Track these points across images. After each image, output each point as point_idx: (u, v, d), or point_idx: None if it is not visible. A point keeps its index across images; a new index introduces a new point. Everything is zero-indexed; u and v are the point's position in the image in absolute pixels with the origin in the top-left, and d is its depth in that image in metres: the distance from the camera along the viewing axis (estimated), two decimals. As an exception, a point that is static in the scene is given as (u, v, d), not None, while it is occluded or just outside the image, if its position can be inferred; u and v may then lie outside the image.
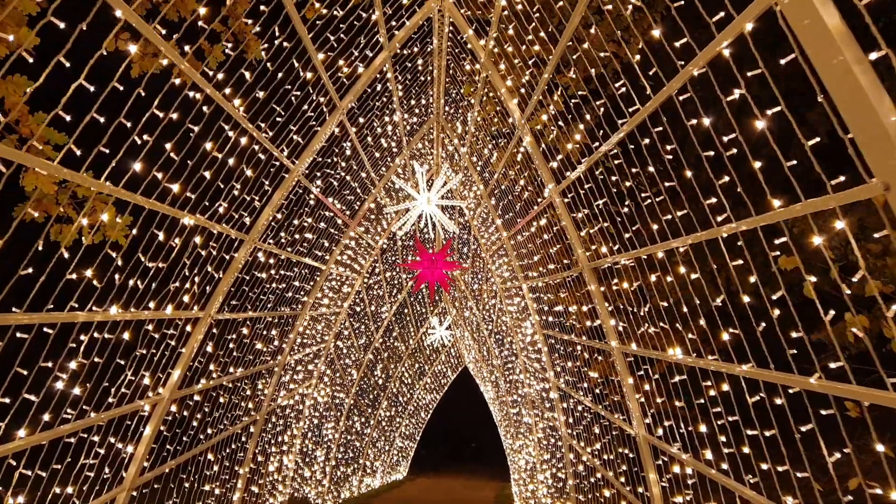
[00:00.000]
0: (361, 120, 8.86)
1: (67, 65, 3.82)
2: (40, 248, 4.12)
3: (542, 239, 9.29)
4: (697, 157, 4.64)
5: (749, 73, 3.62)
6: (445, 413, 29.97)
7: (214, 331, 7.87)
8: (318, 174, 8.77)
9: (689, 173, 4.66)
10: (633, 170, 5.53)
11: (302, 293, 10.98)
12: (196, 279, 6.71)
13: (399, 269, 17.79)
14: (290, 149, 7.37)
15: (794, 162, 3.69)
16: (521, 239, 10.83)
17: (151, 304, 6.03)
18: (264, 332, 9.76)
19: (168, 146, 5.01)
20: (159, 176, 5.04)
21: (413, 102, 10.28)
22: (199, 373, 7.84)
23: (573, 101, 6.29)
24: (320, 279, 11.57)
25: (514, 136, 8.44)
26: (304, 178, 8.28)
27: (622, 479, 8.35)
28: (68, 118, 4.16)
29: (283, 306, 10.18)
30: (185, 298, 6.65)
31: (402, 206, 9.63)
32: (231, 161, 6.11)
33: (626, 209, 6.04)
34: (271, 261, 8.68)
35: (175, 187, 5.37)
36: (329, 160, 8.81)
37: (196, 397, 8.13)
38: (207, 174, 5.79)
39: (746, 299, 4.54)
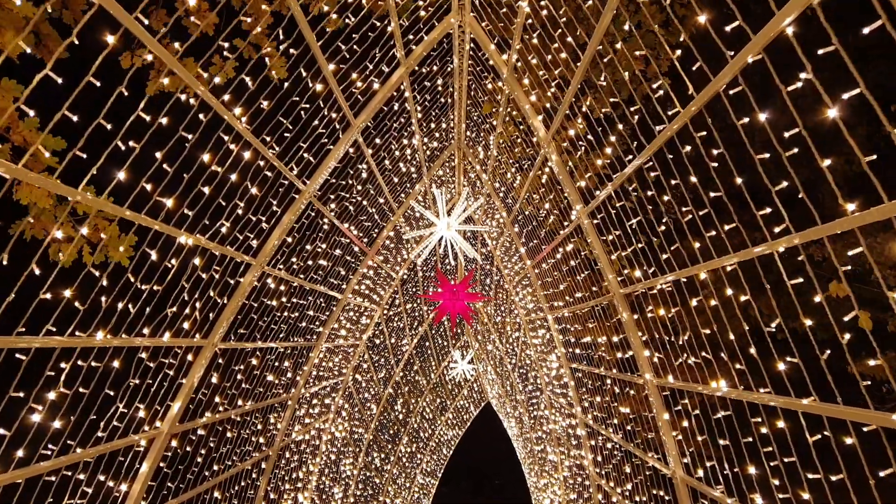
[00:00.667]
0: (378, 141, 8.36)
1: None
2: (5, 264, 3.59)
3: (569, 266, 8.64)
4: (747, 162, 4.02)
5: (820, 52, 3.01)
6: (468, 449, 28.98)
7: (220, 360, 7.31)
8: (332, 196, 8.26)
9: (738, 180, 4.04)
10: (673, 182, 4.91)
11: (317, 323, 10.41)
12: (197, 304, 6.16)
13: (420, 301, 17.18)
14: (301, 167, 6.87)
15: (874, 157, 3.06)
16: (546, 267, 10.19)
17: (146, 331, 5.49)
18: (276, 364, 9.18)
19: (158, 155, 4.50)
20: (149, 188, 4.53)
21: (433, 126, 9.78)
22: (204, 405, 7.26)
23: (604, 110, 5.71)
24: (337, 309, 11.00)
25: (538, 156, 7.88)
26: (316, 200, 7.77)
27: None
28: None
29: (296, 336, 9.60)
30: (185, 325, 6.11)
31: (422, 231, 9.08)
32: (233, 177, 5.60)
33: (663, 227, 5.40)
34: (282, 287, 8.14)
35: (168, 202, 4.86)
36: (343, 182, 8.31)
37: (200, 431, 7.53)
38: (206, 190, 5.28)
39: (808, 323, 3.86)
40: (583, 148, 6.46)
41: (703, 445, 5.77)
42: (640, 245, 5.94)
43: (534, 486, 19.80)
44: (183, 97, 4.50)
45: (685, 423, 6.06)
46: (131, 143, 4.14)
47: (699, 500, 6.15)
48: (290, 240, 7.57)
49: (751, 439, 5.03)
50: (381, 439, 18.05)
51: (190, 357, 6.47)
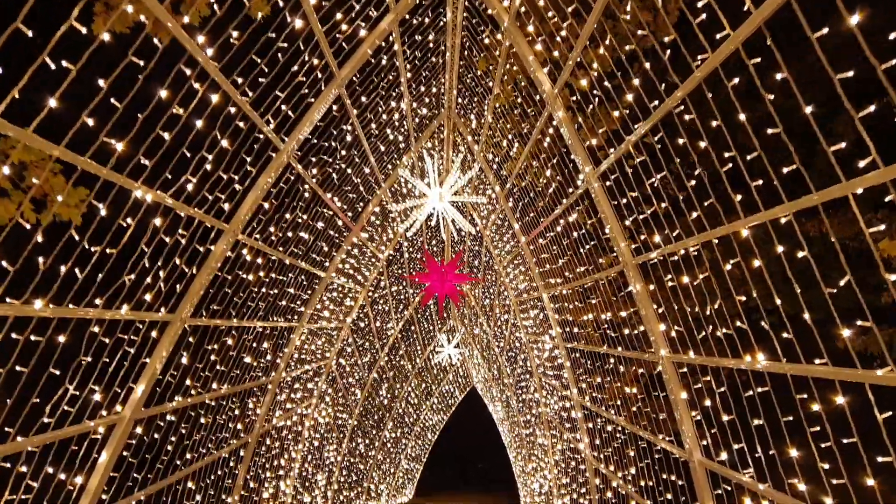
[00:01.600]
0: (364, 100, 7.51)
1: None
2: None
3: (570, 239, 7.89)
4: (810, 95, 3.28)
5: None
6: (453, 434, 28.32)
7: (190, 339, 6.47)
8: (314, 160, 7.41)
9: (807, 109, 3.29)
10: (713, 124, 4.14)
11: (298, 303, 9.58)
12: (161, 274, 5.32)
13: (406, 284, 16.39)
14: (279, 122, 6.02)
15: None
16: (542, 242, 9.44)
17: (98, 302, 4.64)
18: (254, 345, 8.34)
19: (102, 83, 3.64)
20: (91, 123, 3.67)
21: (423, 89, 8.95)
22: (173, 389, 6.42)
23: (628, 47, 4.93)
24: (319, 288, 10.17)
25: (541, 115, 7.10)
26: (295, 162, 6.92)
27: (667, 513, 6.87)
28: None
29: (276, 316, 8.77)
30: (147, 297, 5.26)
31: (411, 203, 8.28)
32: (199, 124, 4.74)
33: (693, 181, 4.66)
34: (259, 260, 7.30)
35: (119, 146, 4.00)
36: (326, 144, 7.45)
37: (170, 417, 6.70)
38: (166, 136, 4.43)
39: (893, 278, 3.13)
40: (596, 99, 5.69)
41: (730, 426, 5.07)
42: (663, 204, 5.19)
43: (520, 470, 19.18)
44: (131, 7, 3.62)
45: (707, 402, 5.35)
46: (65, 64, 3.28)
47: (720, 485, 5.47)
48: (266, 206, 6.73)
49: (792, 418, 4.34)
50: (365, 425, 17.29)
51: (154, 334, 5.62)
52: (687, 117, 4.32)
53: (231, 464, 8.98)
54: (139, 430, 6.06)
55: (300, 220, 7.91)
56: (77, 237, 4.07)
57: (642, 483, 7.49)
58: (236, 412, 8.63)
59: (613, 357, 7.84)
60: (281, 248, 7.79)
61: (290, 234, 7.74)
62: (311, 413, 12.87)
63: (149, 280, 5.13)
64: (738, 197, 4.10)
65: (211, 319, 6.71)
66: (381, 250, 13.39)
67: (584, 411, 9.73)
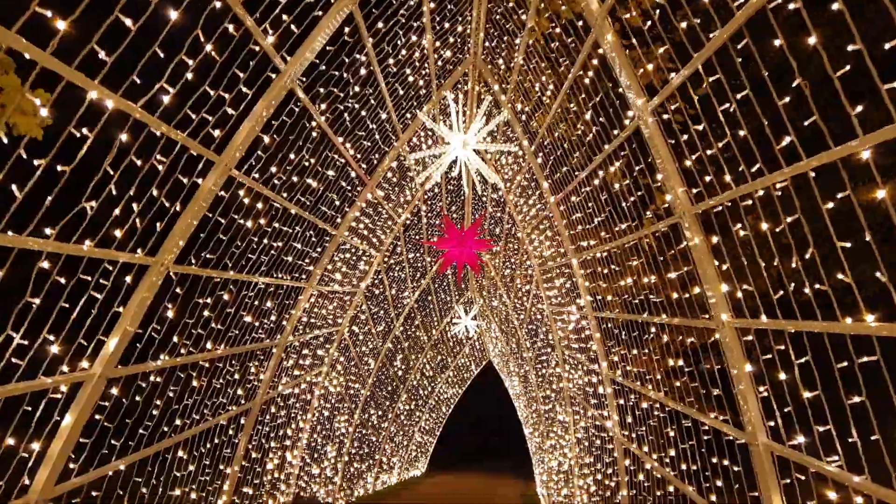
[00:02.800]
0: (381, 26, 6.51)
1: None
2: None
3: (612, 190, 6.89)
4: None
5: None
6: (467, 408, 27.57)
7: (177, 290, 5.59)
8: (322, 92, 6.45)
9: None
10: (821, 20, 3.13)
11: (307, 261, 8.68)
12: (134, 206, 4.42)
13: (423, 250, 15.46)
14: (279, 35, 5.05)
15: None
16: (575, 200, 8.43)
17: (48, 231, 3.75)
18: (255, 303, 7.47)
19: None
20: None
21: (447, 25, 7.91)
22: (157, 346, 5.57)
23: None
24: (330, 247, 9.26)
25: (584, 44, 6.06)
26: (300, 90, 5.97)
27: (713, 498, 5.94)
28: None
29: (280, 272, 7.88)
30: (117, 233, 4.37)
31: (432, 151, 7.31)
32: (174, 15, 3.79)
33: (787, 98, 3.64)
34: (259, 205, 6.39)
35: (60, 25, 3.07)
36: (337, 75, 6.48)
37: (155, 378, 5.86)
38: (128, 22, 3.48)
39: None
40: (657, 13, 4.65)
41: (813, 405, 4.10)
42: (741, 132, 4.17)
43: (537, 447, 18.35)
44: None
45: (781, 375, 4.37)
46: None
47: (793, 474, 4.51)
48: (267, 140, 5.79)
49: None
50: (378, 396, 16.50)
51: (129, 279, 4.74)
52: (791, 5, 3.29)
53: (231, 432, 8.18)
54: (115, 390, 5.22)
55: (307, 164, 6.98)
56: (6, 142, 3.16)
57: (683, 466, 6.55)
58: (236, 376, 7.80)
59: (655, 326, 6.87)
60: (285, 195, 6.87)
61: (294, 178, 6.80)
62: (322, 381, 12.07)
63: (117, 212, 4.23)
64: (858, 108, 3.08)
65: (202, 269, 5.83)
66: (397, 212, 12.45)
67: (615, 386, 8.78)
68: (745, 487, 5.18)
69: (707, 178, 4.79)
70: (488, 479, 25.73)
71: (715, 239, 4.89)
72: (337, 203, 8.59)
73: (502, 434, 35.34)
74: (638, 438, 8.03)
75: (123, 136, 3.91)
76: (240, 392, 8.00)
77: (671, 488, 6.96)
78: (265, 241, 6.82)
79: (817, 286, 3.79)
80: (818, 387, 3.97)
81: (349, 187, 8.72)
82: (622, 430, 8.69)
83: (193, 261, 5.58)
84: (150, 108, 4.06)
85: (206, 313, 6.27)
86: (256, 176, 6.00)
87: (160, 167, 4.43)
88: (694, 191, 5.01)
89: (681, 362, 6.19)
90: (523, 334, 15.93)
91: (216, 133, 4.93)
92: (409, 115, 9.25)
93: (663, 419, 7.07)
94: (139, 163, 4.21)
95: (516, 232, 13.57)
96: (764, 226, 4.15)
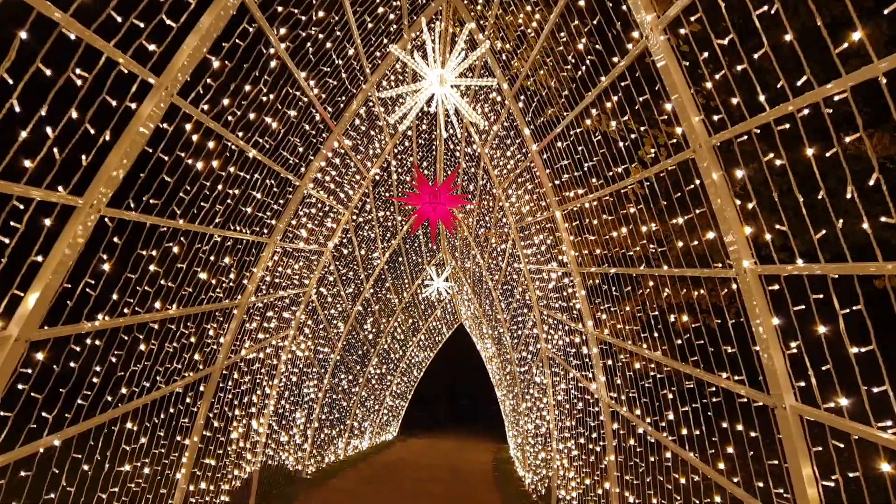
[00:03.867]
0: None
1: None
2: None
3: (607, 130, 6.19)
4: None
5: None
6: (438, 371, 27.12)
7: (115, 240, 4.75)
8: (281, 11, 5.56)
9: None
10: None
11: (269, 213, 7.84)
12: (48, 131, 3.56)
13: (394, 209, 14.66)
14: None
15: None
16: (561, 146, 7.72)
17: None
18: (212, 259, 6.64)
19: None
20: None
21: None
22: (93, 305, 4.74)
23: None
24: (294, 199, 8.42)
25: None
26: (255, 6, 5.09)
27: (721, 465, 5.42)
28: None
29: (238, 225, 7.05)
30: (27, 164, 3.52)
31: (405, 88, 6.51)
32: None
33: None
34: (211, 144, 5.53)
35: None
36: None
37: (93, 342, 5.05)
38: None
39: None
40: None
41: (862, 363, 3.51)
42: (786, 37, 3.47)
43: (511, 409, 17.96)
44: None
45: (820, 329, 3.78)
46: None
47: (829, 440, 3.94)
48: (216, 65, 4.91)
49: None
50: (348, 360, 15.83)
51: (48, 221, 3.90)
52: None
53: (188, 401, 7.41)
54: (41, 355, 4.41)
55: (265, 100, 6.10)
56: None
57: (684, 431, 6.02)
58: (192, 340, 7.00)
59: (655, 279, 6.27)
60: (240, 135, 6.00)
61: (251, 115, 5.93)
62: (289, 345, 11.31)
63: (24, 135, 3.37)
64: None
65: (144, 215, 4.99)
66: (366, 166, 11.60)
67: (602, 346, 8.23)
68: (764, 454, 4.65)
69: (735, 100, 4.12)
70: (460, 442, 25.46)
71: (741, 172, 4.23)
72: (300, 150, 7.72)
73: (472, 397, 35.15)
74: (629, 401, 7.50)
75: (24, 34, 3.04)
76: (197, 357, 7.21)
77: (668, 454, 6.46)
78: (219, 186, 5.97)
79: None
80: (872, 341, 3.38)
81: (314, 132, 7.85)
82: (609, 392, 8.16)
83: (132, 204, 4.73)
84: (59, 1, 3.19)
85: (151, 268, 5.44)
86: (206, 108, 5.13)
87: (78, 81, 3.56)
88: (715, 118, 4.33)
89: (685, 318, 5.60)
90: (497, 295, 15.35)
91: (152, 48, 4.06)
92: (378, 55, 8.37)
93: (660, 380, 6.52)
94: (49, 72, 3.34)
95: (492, 188, 12.86)
96: (809, 151, 3.49)
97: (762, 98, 3.67)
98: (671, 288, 5.87)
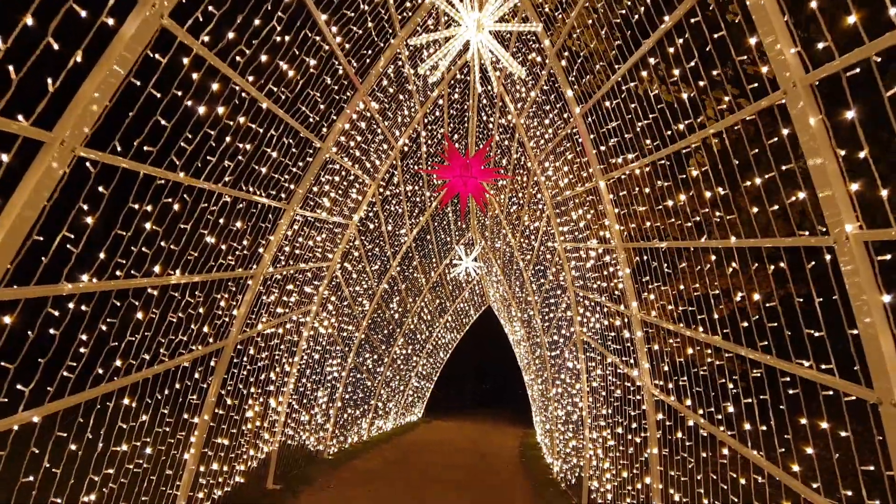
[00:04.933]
0: None
1: None
2: None
3: (668, 80, 5.31)
4: None
5: None
6: (465, 350, 26.43)
7: (101, 189, 4.08)
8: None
9: None
10: None
11: (286, 176, 7.14)
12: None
13: (422, 183, 13.89)
14: None
15: None
16: (610, 105, 6.85)
17: None
18: (219, 221, 5.95)
19: None
20: None
21: None
22: (73, 264, 4.08)
23: None
24: (315, 162, 7.70)
25: None
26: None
27: (795, 468, 4.59)
28: None
29: (251, 186, 6.35)
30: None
31: (439, 34, 5.72)
32: None
33: None
34: (215, 86, 4.81)
35: None
36: None
37: (77, 306, 4.41)
38: None
39: None
40: None
41: None
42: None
43: (540, 394, 17.19)
44: None
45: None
46: None
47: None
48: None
49: None
50: (373, 339, 15.19)
51: (5, 157, 3.22)
52: None
53: (197, 376, 6.79)
54: (8, 319, 3.76)
55: (278, 41, 5.36)
56: None
57: (747, 427, 5.19)
58: (200, 310, 6.35)
59: (720, 252, 5.41)
60: (251, 80, 5.27)
61: (263, 58, 5.19)
62: (311, 322, 10.68)
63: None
64: None
65: (136, 163, 4.29)
66: (394, 135, 10.84)
67: (647, 330, 7.39)
68: (856, 458, 3.82)
69: (851, 19, 3.25)
70: (486, 425, 24.81)
71: (850, 113, 3.37)
72: (322, 107, 6.98)
73: (498, 380, 34.44)
74: (677, 390, 6.67)
75: None
76: (206, 330, 6.57)
77: (724, 451, 5.63)
78: (227, 138, 5.25)
79: None
80: None
81: (336, 88, 7.10)
82: (654, 380, 7.34)
83: (119, 147, 4.04)
84: None
85: (148, 226, 4.76)
86: (206, 40, 4.40)
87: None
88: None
89: (756, 297, 4.74)
90: (529, 276, 14.53)
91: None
92: (408, 5, 7.56)
93: (718, 368, 5.68)
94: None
95: (526, 162, 12.01)
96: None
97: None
98: (738, 262, 5.01)
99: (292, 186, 7.37)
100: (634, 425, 8.07)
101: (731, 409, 5.42)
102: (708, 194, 5.15)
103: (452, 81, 11.55)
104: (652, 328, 7.18)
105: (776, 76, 3.74)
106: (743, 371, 5.19)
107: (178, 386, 6.34)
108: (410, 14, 7.65)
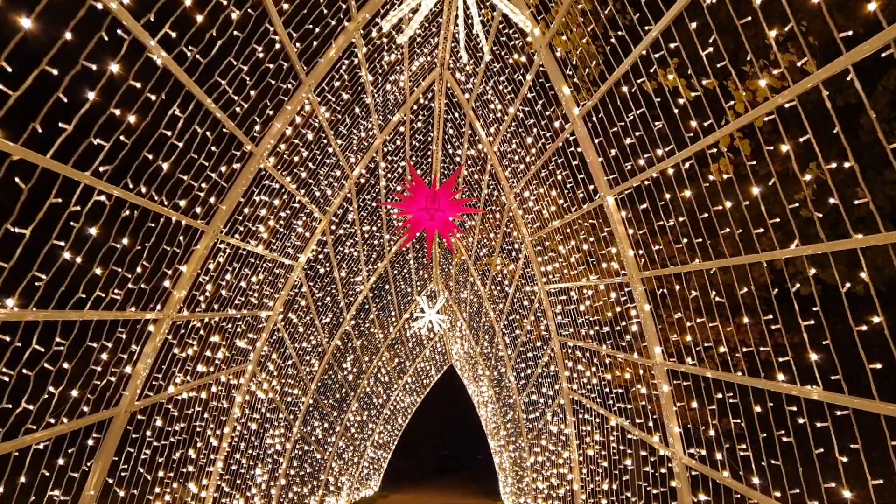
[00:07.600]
0: None
1: None
2: None
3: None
4: None
5: None
6: (425, 417, 24.14)
7: None
8: None
9: None
10: None
11: (204, 185, 5.29)
12: None
13: (380, 224, 12.14)
14: None
15: None
16: (626, 90, 5.30)
17: None
18: (92, 233, 4.04)
19: None
20: None
21: None
22: None
23: None
24: (245, 170, 5.89)
25: None
26: None
27: None
28: None
29: (146, 187, 4.47)
30: None
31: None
32: None
33: None
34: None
35: None
36: None
37: None
38: None
39: None
40: None
41: None
42: None
43: (512, 462, 15.10)
44: None
45: None
46: None
47: None
48: None
49: None
50: (323, 405, 13.02)
51: None
52: None
53: (62, 462, 4.69)
54: None
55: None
56: None
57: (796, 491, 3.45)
58: (65, 365, 4.33)
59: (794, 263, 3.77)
60: (165, 53, 3.50)
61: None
62: (245, 384, 8.60)
63: None
64: None
65: None
66: (349, 161, 9.14)
67: (676, 382, 5.67)
68: None
69: None
70: (451, 497, 22.35)
71: None
72: (252, 94, 5.24)
73: (460, 445, 31.93)
74: (731, 461, 4.91)
75: None
76: (75, 394, 4.53)
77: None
78: (120, 136, 3.43)
79: None
80: None
81: (272, 69, 5.37)
82: (688, 448, 5.57)
83: None
84: None
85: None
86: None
87: None
88: None
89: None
90: (501, 328, 12.77)
91: None
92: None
93: (747, 422, 3.96)
94: None
95: (500, 196, 10.44)
96: None
97: None
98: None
99: (213, 200, 5.50)
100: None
101: (838, 486, 3.67)
102: (727, 203, 3.54)
103: (415, 106, 10.01)
104: (688, 379, 5.46)
105: None
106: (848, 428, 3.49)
107: (23, 479, 4.24)
108: (369, -9, 6.05)
